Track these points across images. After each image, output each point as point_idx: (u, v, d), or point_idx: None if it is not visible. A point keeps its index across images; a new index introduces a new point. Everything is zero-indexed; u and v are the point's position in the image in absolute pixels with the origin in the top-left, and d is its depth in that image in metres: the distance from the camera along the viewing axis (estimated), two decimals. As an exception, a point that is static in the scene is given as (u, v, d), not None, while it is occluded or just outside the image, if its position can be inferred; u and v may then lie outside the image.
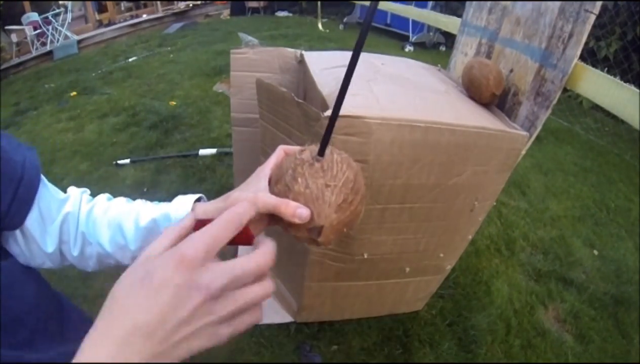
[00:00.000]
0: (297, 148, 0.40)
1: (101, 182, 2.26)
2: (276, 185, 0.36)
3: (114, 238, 0.45)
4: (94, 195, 0.51)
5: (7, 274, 0.39)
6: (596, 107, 3.04)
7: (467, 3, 1.30)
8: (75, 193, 0.49)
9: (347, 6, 6.56)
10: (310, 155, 0.36)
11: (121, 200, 0.49)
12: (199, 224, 0.39)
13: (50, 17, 5.74)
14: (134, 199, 0.52)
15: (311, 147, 0.38)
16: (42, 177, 0.44)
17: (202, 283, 0.25)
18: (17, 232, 0.43)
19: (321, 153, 0.35)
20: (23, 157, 0.42)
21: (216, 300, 0.26)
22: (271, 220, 0.36)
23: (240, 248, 0.36)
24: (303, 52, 1.27)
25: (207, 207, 0.39)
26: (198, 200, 0.46)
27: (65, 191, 0.47)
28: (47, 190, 0.45)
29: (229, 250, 0.31)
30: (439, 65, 1.35)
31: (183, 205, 0.44)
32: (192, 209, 0.42)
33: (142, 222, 0.45)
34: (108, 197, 0.50)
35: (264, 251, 0.29)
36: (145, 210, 0.46)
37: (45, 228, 0.44)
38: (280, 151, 0.41)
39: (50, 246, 0.45)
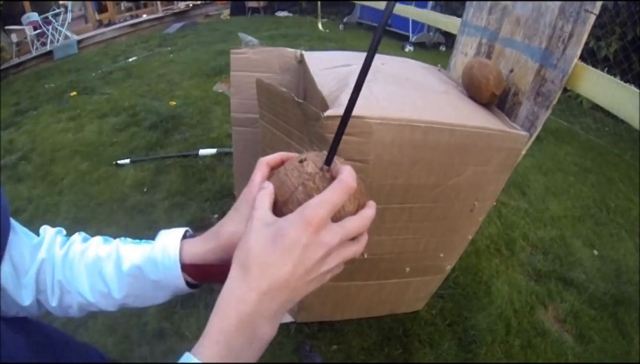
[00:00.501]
0: (283, 156, 0.39)
1: (101, 182, 2.26)
2: (286, 205, 0.33)
3: (95, 286, 0.41)
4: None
5: None
6: (596, 107, 3.04)
7: (467, 3, 1.30)
8: (50, 234, 0.44)
9: (347, 6, 6.56)
10: (315, 166, 0.34)
11: (98, 240, 0.44)
12: (192, 268, 0.39)
13: (50, 17, 5.75)
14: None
15: (310, 156, 0.36)
16: (12, 221, 0.40)
17: (324, 241, 0.30)
18: None
19: (329, 162, 0.34)
20: None
21: (330, 254, 0.31)
22: None
23: None
24: (303, 52, 1.27)
25: (197, 250, 0.39)
26: (184, 233, 0.43)
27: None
28: (18, 237, 0.40)
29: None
30: (439, 65, 1.35)
31: (170, 249, 0.40)
32: (181, 249, 0.40)
33: (124, 268, 0.41)
34: (84, 238, 0.45)
35: (367, 214, 0.33)
36: (127, 253, 0.41)
37: (19, 280, 0.40)
38: (264, 165, 0.38)
39: (27, 300, 0.40)
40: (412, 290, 1.33)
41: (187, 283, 0.41)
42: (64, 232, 0.45)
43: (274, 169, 0.39)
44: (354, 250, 0.33)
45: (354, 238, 0.33)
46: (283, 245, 0.29)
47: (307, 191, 0.33)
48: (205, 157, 2.46)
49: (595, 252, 1.92)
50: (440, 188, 0.93)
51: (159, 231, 0.41)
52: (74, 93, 3.73)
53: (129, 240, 0.44)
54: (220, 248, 0.38)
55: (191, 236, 0.42)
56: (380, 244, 1.05)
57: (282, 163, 0.38)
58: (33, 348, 0.40)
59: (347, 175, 0.31)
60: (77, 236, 0.45)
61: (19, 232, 0.41)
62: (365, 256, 1.07)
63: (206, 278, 0.41)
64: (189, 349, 0.29)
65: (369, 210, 0.34)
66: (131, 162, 2.44)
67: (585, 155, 2.89)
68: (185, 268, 0.39)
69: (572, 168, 2.67)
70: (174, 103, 3.28)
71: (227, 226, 0.38)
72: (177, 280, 0.40)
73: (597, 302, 1.63)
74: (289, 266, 0.29)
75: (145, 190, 2.16)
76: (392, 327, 1.42)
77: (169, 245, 0.40)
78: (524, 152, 0.94)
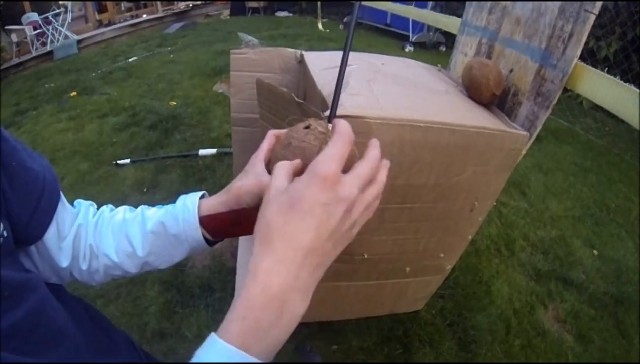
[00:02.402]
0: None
1: (101, 181, 2.26)
2: (286, 149, 0.36)
3: (120, 247, 0.44)
4: (94, 195, 0.51)
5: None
6: (596, 107, 3.04)
7: (467, 3, 1.30)
8: (84, 205, 0.48)
9: (347, 6, 6.57)
10: (323, 126, 0.37)
11: (124, 208, 0.48)
12: (207, 219, 0.42)
13: (50, 17, 5.75)
14: (134, 199, 0.51)
15: (310, 122, 0.38)
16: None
17: (343, 196, 0.29)
18: (32, 247, 0.41)
19: (330, 120, 0.37)
20: (42, 168, 0.40)
21: (353, 207, 0.30)
22: None
23: (241, 239, 0.37)
24: (303, 52, 1.27)
25: (212, 202, 0.42)
26: (202, 197, 0.46)
27: (63, 192, 0.46)
28: (63, 204, 0.43)
29: (226, 247, 0.32)
30: (439, 65, 1.35)
31: (189, 204, 0.43)
32: (199, 205, 0.42)
33: (148, 226, 0.44)
34: (111, 208, 0.48)
35: (373, 154, 0.32)
36: (150, 214, 0.45)
37: (60, 243, 0.43)
38: (272, 136, 0.41)
39: (65, 262, 0.43)
40: (412, 290, 1.33)
41: (205, 240, 0.43)
42: (95, 205, 0.49)
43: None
44: (374, 192, 0.32)
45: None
46: (302, 209, 0.28)
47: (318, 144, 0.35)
48: (205, 157, 2.46)
49: (595, 252, 1.92)
50: (440, 188, 0.93)
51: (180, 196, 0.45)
52: (74, 93, 3.73)
53: (152, 207, 0.47)
54: (231, 199, 0.40)
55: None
56: (380, 244, 1.05)
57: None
58: (75, 318, 0.42)
59: (343, 126, 0.31)
60: (106, 207, 0.48)
61: (64, 200, 0.44)
62: (365, 256, 1.07)
63: (222, 232, 0.43)
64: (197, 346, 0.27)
65: (373, 150, 0.33)
66: (131, 162, 2.44)
67: (585, 155, 2.89)
68: (203, 221, 0.42)
69: (572, 168, 2.67)
70: (174, 103, 3.28)
71: (236, 182, 0.40)
72: (196, 232, 0.42)
73: (597, 302, 1.63)
74: (312, 230, 0.28)
75: (145, 190, 2.16)
76: (392, 327, 1.42)
77: (188, 201, 0.43)
78: (524, 152, 0.94)
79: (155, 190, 2.15)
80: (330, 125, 0.37)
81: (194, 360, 0.26)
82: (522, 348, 1.41)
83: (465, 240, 1.18)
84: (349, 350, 1.35)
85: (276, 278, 0.28)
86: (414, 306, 1.46)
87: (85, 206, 0.47)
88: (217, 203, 0.42)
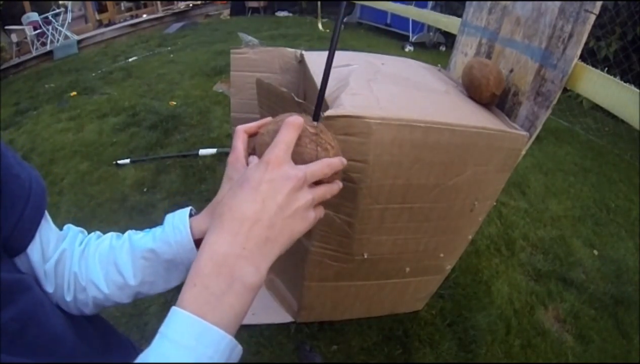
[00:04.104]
0: (259, 124, 0.42)
1: (101, 181, 2.26)
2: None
3: (109, 276, 0.41)
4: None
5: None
6: (596, 107, 3.04)
7: (467, 3, 1.30)
8: (73, 230, 0.45)
9: (347, 6, 6.55)
10: (311, 127, 0.38)
11: (111, 235, 0.45)
12: (200, 241, 0.40)
13: (50, 17, 5.74)
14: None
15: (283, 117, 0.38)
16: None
17: (289, 174, 0.31)
18: (19, 261, 0.38)
19: (316, 118, 0.39)
20: (29, 175, 0.38)
21: (301, 188, 0.32)
22: None
23: None
24: (303, 52, 1.27)
25: (201, 222, 0.42)
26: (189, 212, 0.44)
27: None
28: (48, 222, 0.41)
29: None
30: (439, 65, 1.35)
31: (180, 225, 0.41)
32: (190, 227, 0.41)
33: (138, 253, 0.41)
34: (98, 235, 0.46)
35: (327, 161, 0.35)
36: (138, 239, 0.42)
37: (44, 266, 0.40)
38: (241, 132, 0.41)
39: (50, 287, 0.40)
40: (412, 290, 1.33)
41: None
42: (85, 232, 0.47)
43: (251, 136, 0.42)
44: (322, 191, 0.35)
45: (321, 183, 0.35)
46: (249, 186, 0.31)
47: (323, 147, 0.37)
48: (205, 157, 2.46)
49: (595, 252, 1.92)
50: (440, 188, 0.93)
51: (166, 216, 0.44)
52: (74, 93, 3.73)
53: (139, 232, 0.45)
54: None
55: (195, 214, 0.44)
56: (380, 244, 1.05)
57: (257, 131, 0.41)
58: (73, 324, 0.40)
59: (292, 118, 0.34)
60: (93, 235, 0.46)
61: (48, 219, 0.41)
62: (366, 256, 1.06)
63: None
64: None
65: (335, 160, 0.36)
66: (131, 162, 2.44)
67: (585, 155, 2.89)
68: (196, 243, 0.41)
69: (572, 168, 2.67)
70: (174, 103, 3.28)
71: (222, 197, 0.40)
72: (191, 254, 0.40)
73: (597, 302, 1.63)
74: (258, 201, 0.30)
75: (145, 190, 2.16)
76: (392, 327, 1.42)
77: (179, 224, 0.41)
78: (524, 152, 0.94)
79: (155, 190, 2.15)
80: (316, 123, 0.38)
81: (158, 335, 0.27)
82: (522, 348, 1.41)
83: (465, 240, 1.18)
84: (349, 350, 1.35)
85: (222, 247, 0.29)
86: (414, 306, 1.46)
87: (74, 232, 0.45)
88: (206, 223, 0.41)
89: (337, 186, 0.37)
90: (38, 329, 0.33)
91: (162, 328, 0.27)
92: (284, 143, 0.32)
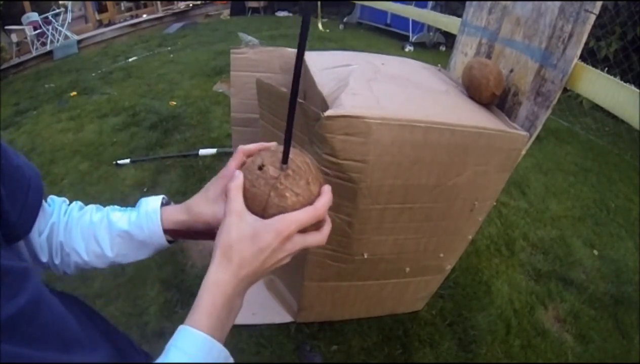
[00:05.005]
0: (261, 147, 0.43)
1: (101, 181, 2.26)
2: (266, 211, 0.38)
3: (90, 247, 0.48)
4: (94, 195, 0.51)
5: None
6: (596, 107, 3.04)
7: (467, 3, 1.30)
8: (58, 203, 0.49)
9: (347, 6, 6.56)
10: (275, 168, 0.38)
11: (91, 208, 0.50)
12: (169, 231, 0.48)
13: (50, 17, 5.74)
14: (134, 199, 0.51)
15: (265, 159, 0.39)
16: None
17: (287, 248, 0.38)
18: (21, 242, 0.42)
19: (285, 160, 0.38)
20: (25, 162, 0.42)
21: (290, 254, 0.39)
22: None
23: None
24: (303, 52, 1.26)
25: (173, 215, 0.47)
26: (163, 203, 0.50)
27: (63, 192, 0.46)
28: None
29: None
30: (439, 65, 1.35)
31: (152, 214, 0.47)
32: (161, 215, 0.47)
33: (115, 231, 0.48)
34: (80, 206, 0.51)
35: (325, 231, 0.40)
36: (116, 219, 0.48)
37: (39, 239, 0.45)
38: (240, 154, 0.44)
39: (44, 257, 0.46)
40: (412, 290, 1.33)
41: (167, 240, 0.49)
42: (67, 201, 0.51)
43: (249, 157, 0.43)
44: (310, 241, 0.40)
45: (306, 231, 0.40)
46: (258, 246, 0.37)
47: (279, 194, 0.37)
48: (205, 157, 2.46)
49: (595, 252, 1.92)
50: (440, 188, 0.93)
51: (140, 199, 0.50)
52: (74, 93, 3.73)
53: (116, 207, 0.50)
54: (191, 221, 0.47)
55: (167, 203, 0.50)
56: (380, 244, 1.05)
57: (258, 151, 0.43)
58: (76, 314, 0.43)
59: (322, 205, 0.38)
60: (75, 205, 0.51)
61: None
62: (366, 256, 1.06)
63: (181, 237, 0.50)
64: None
65: (327, 227, 0.40)
66: (131, 162, 2.44)
67: (585, 155, 2.89)
68: (165, 231, 0.48)
69: (572, 168, 2.67)
70: (174, 103, 3.28)
71: (196, 206, 0.46)
72: (160, 239, 0.48)
73: (597, 302, 1.63)
74: (260, 261, 0.37)
75: (145, 190, 2.16)
76: (392, 327, 1.42)
77: (152, 213, 0.47)
78: (524, 152, 0.94)
79: (155, 190, 2.15)
80: (285, 166, 0.38)
81: (173, 348, 0.34)
82: (522, 348, 1.41)
83: (465, 240, 1.18)
84: (349, 350, 1.35)
85: (231, 288, 0.37)
86: (414, 306, 1.46)
87: (58, 204, 0.49)
88: (178, 220, 0.47)
89: (326, 231, 0.41)
90: (49, 311, 0.36)
91: (179, 344, 0.34)
92: (300, 224, 0.37)
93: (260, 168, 0.38)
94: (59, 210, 0.48)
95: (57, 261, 0.48)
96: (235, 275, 0.37)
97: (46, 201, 0.48)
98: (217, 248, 0.38)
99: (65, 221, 0.48)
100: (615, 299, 1.65)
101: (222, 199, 0.45)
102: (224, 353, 0.36)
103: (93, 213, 0.49)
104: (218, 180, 0.46)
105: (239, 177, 0.40)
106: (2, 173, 0.36)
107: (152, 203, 0.48)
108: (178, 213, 0.47)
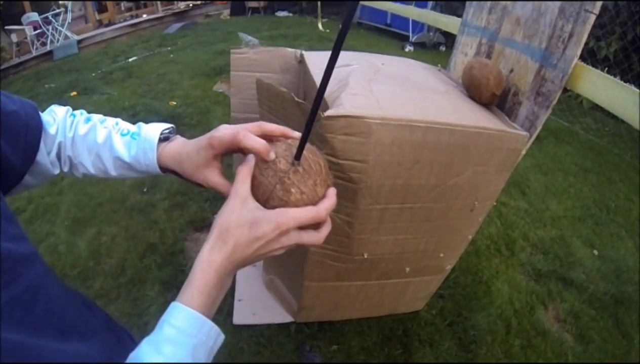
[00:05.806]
0: (283, 131, 0.43)
1: (101, 181, 2.25)
2: (269, 202, 0.38)
3: (95, 164, 0.52)
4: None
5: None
6: (596, 107, 3.04)
7: (467, 3, 1.30)
8: (62, 118, 0.52)
9: (347, 6, 6.56)
10: (286, 162, 0.38)
11: (96, 126, 0.53)
12: (165, 168, 0.50)
13: (50, 17, 5.74)
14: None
15: (279, 151, 0.39)
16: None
17: (281, 242, 0.39)
18: (27, 176, 0.46)
19: (298, 157, 0.38)
20: (22, 105, 0.44)
21: (283, 248, 0.40)
22: None
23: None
24: (303, 52, 1.27)
25: (168, 161, 0.50)
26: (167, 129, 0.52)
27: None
28: (44, 129, 0.49)
29: None
30: (439, 65, 1.35)
31: (149, 153, 0.50)
32: (158, 154, 0.50)
33: (117, 159, 0.51)
34: (86, 118, 0.54)
35: (324, 231, 0.41)
36: (118, 146, 0.51)
37: (49, 157, 0.50)
38: (256, 129, 0.44)
39: (56, 170, 0.51)
40: (412, 290, 1.33)
41: (163, 170, 0.52)
42: (71, 111, 0.55)
43: (267, 138, 0.42)
44: (306, 239, 0.41)
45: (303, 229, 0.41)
46: (255, 234, 0.38)
47: (285, 188, 0.37)
48: (205, 157, 2.45)
49: (595, 252, 1.92)
50: (440, 188, 0.93)
51: (140, 125, 0.53)
52: (74, 93, 3.73)
53: (120, 127, 0.53)
54: (184, 175, 0.49)
55: (165, 138, 0.51)
56: (380, 244, 1.05)
57: (279, 136, 0.43)
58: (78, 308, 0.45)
59: (324, 207, 0.39)
60: (80, 117, 0.54)
61: (44, 123, 0.49)
62: (366, 256, 1.07)
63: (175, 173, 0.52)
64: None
65: (326, 228, 0.41)
66: (131, 162, 2.43)
67: (585, 155, 2.89)
68: (161, 168, 0.50)
69: (572, 168, 2.67)
70: (174, 103, 3.28)
71: (188, 169, 0.48)
72: (155, 171, 0.51)
73: (597, 302, 1.63)
74: (253, 249, 0.38)
75: (145, 190, 2.16)
76: (392, 327, 1.42)
77: (149, 151, 0.50)
78: (524, 152, 0.94)
79: (155, 190, 2.14)
80: (297, 162, 0.38)
81: (165, 324, 0.35)
82: (522, 348, 1.41)
83: (465, 240, 1.18)
84: (349, 350, 1.35)
85: (223, 269, 0.38)
86: (414, 306, 1.46)
87: (62, 120, 0.52)
88: (173, 162, 0.49)
89: (324, 232, 0.41)
90: (47, 299, 0.36)
91: (172, 320, 0.35)
92: (299, 222, 0.38)
93: (276, 160, 0.39)
94: (63, 128, 0.52)
95: (65, 169, 0.53)
96: (228, 257, 0.38)
97: (48, 121, 0.50)
98: (215, 228, 0.39)
99: (72, 137, 0.52)
100: (615, 299, 1.65)
101: (213, 165, 0.46)
102: (214, 329, 0.37)
103: (98, 130, 0.52)
104: (208, 148, 0.46)
105: (251, 162, 0.41)
106: (1, 125, 0.39)
107: (149, 142, 0.50)
108: (172, 162, 0.49)
